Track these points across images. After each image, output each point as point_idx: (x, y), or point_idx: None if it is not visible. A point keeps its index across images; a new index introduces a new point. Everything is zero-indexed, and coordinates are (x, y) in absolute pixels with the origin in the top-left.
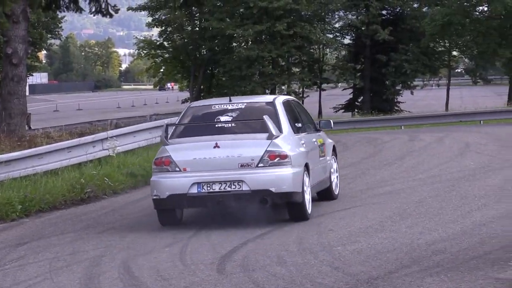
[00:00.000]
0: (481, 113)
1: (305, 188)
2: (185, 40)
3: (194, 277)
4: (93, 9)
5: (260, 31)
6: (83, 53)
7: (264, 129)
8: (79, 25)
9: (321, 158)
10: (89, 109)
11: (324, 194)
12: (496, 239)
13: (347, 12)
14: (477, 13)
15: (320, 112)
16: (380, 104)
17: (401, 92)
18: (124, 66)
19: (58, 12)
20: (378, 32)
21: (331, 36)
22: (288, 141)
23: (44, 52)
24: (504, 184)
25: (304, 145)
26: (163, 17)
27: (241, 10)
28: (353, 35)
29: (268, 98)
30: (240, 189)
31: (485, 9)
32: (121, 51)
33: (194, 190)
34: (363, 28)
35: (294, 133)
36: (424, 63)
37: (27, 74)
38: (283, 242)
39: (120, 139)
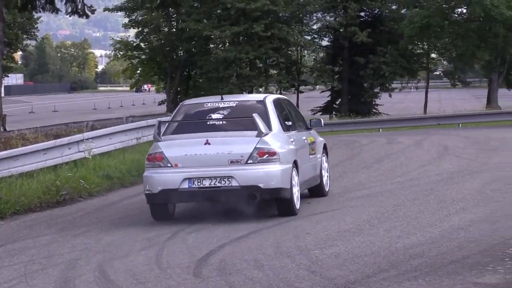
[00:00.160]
0: (459, 116)
1: (293, 184)
2: (162, 41)
3: (171, 281)
4: (69, 10)
5: (238, 32)
6: (59, 54)
7: (253, 126)
8: (55, 26)
9: (311, 156)
10: (65, 111)
11: (314, 191)
12: (474, 243)
13: (325, 14)
14: (456, 15)
15: None
16: (358, 106)
17: (379, 94)
18: (100, 67)
19: (34, 13)
20: (356, 34)
21: (309, 37)
22: (277, 139)
23: (19, 53)
24: (482, 188)
25: (293, 142)
26: (140, 18)
27: (218, 11)
28: (331, 37)
29: (259, 96)
30: (230, 184)
31: (464, 11)
32: (98, 52)
33: (185, 185)
34: (341, 30)
35: (284, 131)
36: (402, 65)
37: (2, 75)
38: (260, 246)
39: (96, 141)
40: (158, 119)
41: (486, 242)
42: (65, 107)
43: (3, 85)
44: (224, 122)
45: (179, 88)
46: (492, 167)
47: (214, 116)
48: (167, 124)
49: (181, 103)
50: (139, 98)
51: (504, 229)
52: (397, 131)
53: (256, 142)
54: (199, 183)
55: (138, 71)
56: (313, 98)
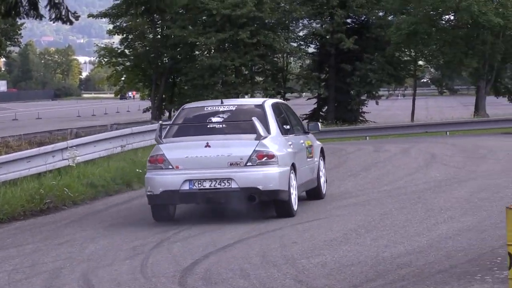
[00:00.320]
0: (447, 124)
1: (291, 186)
2: (147, 48)
3: None
4: (53, 16)
5: (223, 39)
6: (42, 61)
7: (252, 130)
8: (39, 32)
9: (308, 159)
10: (48, 118)
11: (312, 194)
12: (462, 252)
13: (311, 21)
14: (444, 22)
15: None
16: (344, 114)
17: (366, 102)
18: (84, 74)
19: (17, 19)
20: (343, 40)
21: (295, 44)
22: (275, 142)
23: (3, 59)
24: (470, 197)
25: (291, 146)
26: (125, 25)
27: (204, 17)
28: (318, 43)
29: (258, 100)
30: (229, 186)
31: (452, 18)
32: (82, 59)
33: (186, 186)
34: (327, 37)
35: (282, 134)
36: (389, 72)
37: None
38: (246, 255)
39: (80, 148)
40: (160, 122)
41: (474, 251)
42: (49, 114)
43: None
44: (224, 125)
45: (164, 95)
46: (480, 176)
47: (214, 119)
48: (168, 127)
49: (182, 107)
50: (124, 105)
51: (492, 238)
52: (384, 139)
53: (255, 145)
54: (199, 185)
55: (123, 78)
56: (299, 105)
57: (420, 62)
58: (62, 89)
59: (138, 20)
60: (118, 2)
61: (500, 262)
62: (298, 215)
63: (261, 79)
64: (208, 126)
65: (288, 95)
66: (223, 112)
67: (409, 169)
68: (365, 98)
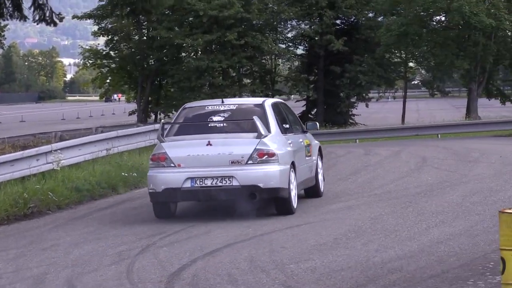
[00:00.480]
0: (438, 126)
1: (291, 184)
2: (133, 50)
3: None
4: (37, 17)
5: (210, 40)
6: (26, 63)
7: (253, 128)
8: (22, 34)
9: (307, 158)
10: (32, 121)
11: (310, 192)
12: (454, 257)
13: (300, 22)
14: (434, 23)
15: None
16: (334, 116)
17: (355, 104)
18: (69, 77)
19: (0, 20)
20: (332, 42)
21: (283, 46)
22: (276, 141)
23: None
24: (462, 201)
25: (291, 144)
26: (110, 26)
27: (190, 19)
28: (306, 45)
29: (258, 100)
30: (231, 184)
31: (443, 19)
32: (66, 61)
33: (188, 184)
34: (316, 38)
35: (282, 133)
36: (379, 74)
37: None
38: (234, 260)
39: (65, 152)
40: (162, 121)
41: (467, 256)
42: (32, 117)
43: None
44: (225, 124)
45: (150, 98)
46: (472, 179)
47: (215, 118)
48: (170, 125)
49: (183, 106)
50: (109, 108)
51: (484, 242)
52: (374, 142)
53: (256, 144)
54: (201, 183)
55: (108, 80)
56: None
57: (411, 64)
58: (46, 91)
59: (123, 22)
60: (103, 3)
61: (492, 267)
62: (287, 219)
63: (249, 81)
64: (209, 125)
65: (276, 97)
66: (223, 111)
67: (399, 172)
68: (354, 101)
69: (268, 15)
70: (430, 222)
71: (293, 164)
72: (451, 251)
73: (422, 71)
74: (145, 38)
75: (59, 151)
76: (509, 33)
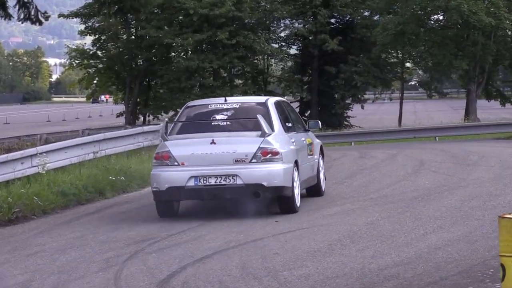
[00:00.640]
0: (436, 128)
1: (294, 183)
2: (120, 49)
3: None
4: (22, 16)
5: (201, 40)
6: (10, 63)
7: (257, 127)
8: (7, 33)
9: (309, 157)
10: (17, 123)
11: (312, 191)
12: (453, 263)
13: (294, 21)
14: (432, 22)
15: None
16: (328, 118)
17: (351, 106)
18: (54, 77)
19: None
20: (326, 41)
21: (276, 46)
22: (279, 139)
23: None
24: (460, 205)
25: (294, 143)
26: (97, 25)
27: (180, 17)
28: (300, 45)
29: (261, 98)
30: (235, 182)
31: (441, 18)
32: (52, 61)
33: (192, 183)
34: (310, 38)
35: (285, 132)
36: (375, 75)
37: None
38: (225, 267)
39: (51, 155)
40: (166, 119)
41: (465, 262)
42: (17, 119)
43: None
44: (228, 122)
45: (138, 99)
46: (471, 183)
47: (218, 117)
48: (173, 124)
49: (185, 104)
50: (96, 109)
51: (484, 248)
52: (370, 144)
53: (259, 142)
54: (205, 181)
55: (95, 81)
56: None
57: (408, 64)
58: (31, 92)
59: (111, 20)
60: (90, 1)
61: (492, 274)
62: (280, 224)
63: (240, 82)
64: (213, 123)
65: None
66: (226, 109)
67: (396, 176)
68: (350, 102)
69: (260, 14)
70: (427, 227)
71: (296, 163)
72: (450, 258)
73: (420, 72)
74: (133, 37)
75: (44, 154)
76: (509, 33)
